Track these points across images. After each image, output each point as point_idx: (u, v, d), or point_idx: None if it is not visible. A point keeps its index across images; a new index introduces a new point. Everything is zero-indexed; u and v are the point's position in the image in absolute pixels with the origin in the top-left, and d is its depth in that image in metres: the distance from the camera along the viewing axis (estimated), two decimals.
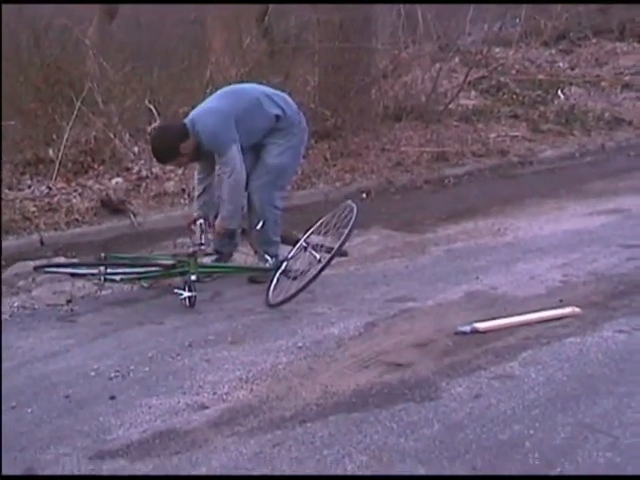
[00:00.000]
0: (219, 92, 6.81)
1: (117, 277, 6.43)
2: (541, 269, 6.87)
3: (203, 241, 6.56)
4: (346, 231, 6.32)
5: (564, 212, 8.32)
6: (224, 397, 4.86)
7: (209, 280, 6.69)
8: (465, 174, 10.29)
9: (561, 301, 6.10)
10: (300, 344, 5.56)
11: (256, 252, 6.91)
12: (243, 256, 7.09)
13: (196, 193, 6.91)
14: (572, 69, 15.83)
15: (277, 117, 6.64)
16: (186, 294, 6.15)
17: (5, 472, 4.08)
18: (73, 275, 6.59)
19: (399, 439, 4.33)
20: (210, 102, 6.71)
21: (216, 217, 6.62)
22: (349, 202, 6.64)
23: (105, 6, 17.49)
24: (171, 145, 6.46)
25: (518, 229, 8.05)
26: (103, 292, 6.57)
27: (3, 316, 6.10)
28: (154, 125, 8.94)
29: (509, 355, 5.26)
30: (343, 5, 10.80)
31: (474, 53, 14.23)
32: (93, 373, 5.18)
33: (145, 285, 6.60)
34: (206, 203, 6.77)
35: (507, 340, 5.49)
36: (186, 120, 6.56)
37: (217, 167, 6.53)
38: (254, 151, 6.66)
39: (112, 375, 5.15)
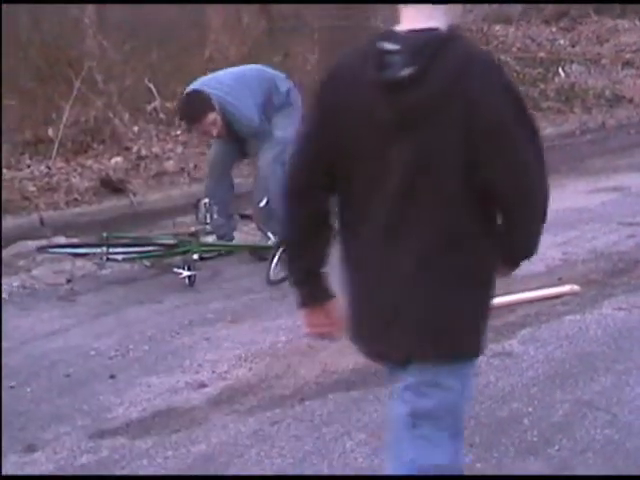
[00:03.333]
0: (235, 77, 6.84)
1: (119, 257, 6.44)
2: (541, 247, 6.80)
3: (208, 220, 6.57)
4: None
5: (564, 190, 8.29)
6: (223, 375, 4.87)
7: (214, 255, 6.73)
8: None
9: (560, 279, 6.11)
10: (299, 323, 5.53)
11: (259, 229, 6.90)
12: (243, 235, 7.09)
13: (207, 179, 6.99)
14: (573, 47, 15.75)
15: (287, 93, 6.83)
16: (186, 273, 6.16)
17: (5, 450, 4.09)
18: (75, 255, 6.59)
19: None
20: (240, 92, 6.71)
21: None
22: None
23: None
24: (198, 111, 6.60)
25: None
26: (103, 271, 6.57)
27: (3, 295, 6.10)
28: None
29: (508, 333, 5.27)
30: None
31: (475, 31, 14.18)
32: (93, 352, 5.20)
33: (147, 264, 6.60)
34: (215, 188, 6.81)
35: (506, 318, 5.48)
36: (213, 95, 6.60)
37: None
38: None
39: (112, 354, 5.17)
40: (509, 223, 2.71)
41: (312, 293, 2.86)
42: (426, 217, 2.61)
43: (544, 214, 2.73)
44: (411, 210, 2.61)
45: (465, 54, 2.55)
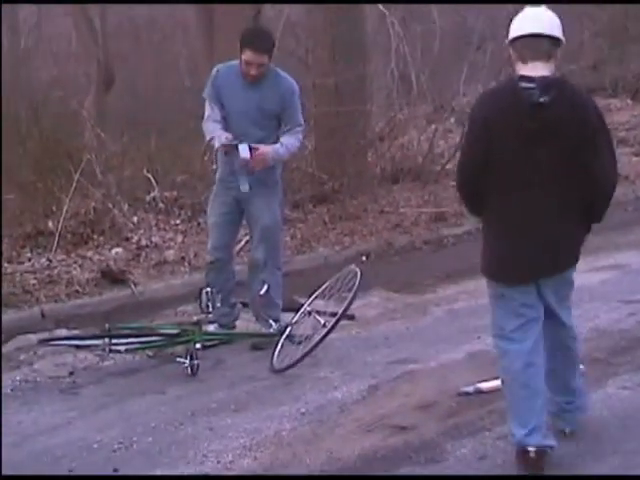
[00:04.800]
0: None
1: (122, 347, 6.42)
2: None
3: (210, 309, 6.58)
4: (350, 295, 6.35)
5: None
6: (228, 466, 4.84)
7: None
8: (464, 234, 10.29)
9: None
10: (303, 410, 5.54)
11: (257, 319, 6.91)
12: (245, 323, 7.10)
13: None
14: None
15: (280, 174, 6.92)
16: (189, 362, 6.15)
17: None
18: (78, 347, 6.59)
19: None
20: None
21: None
22: (353, 267, 6.69)
23: (102, 75, 17.74)
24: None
25: None
26: (105, 363, 6.56)
27: (5, 390, 6.08)
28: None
29: None
30: (337, 67, 10.89)
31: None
32: (96, 445, 5.16)
33: (150, 354, 6.58)
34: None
35: None
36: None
37: (291, 127, 6.67)
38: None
39: (115, 447, 5.13)
40: (597, 196, 4.68)
41: None
42: (556, 189, 4.46)
43: (614, 190, 4.80)
44: (547, 184, 4.44)
45: (573, 91, 4.47)
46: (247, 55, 6.44)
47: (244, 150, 6.35)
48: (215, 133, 6.55)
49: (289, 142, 6.64)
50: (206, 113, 6.69)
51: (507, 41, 4.50)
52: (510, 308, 4.61)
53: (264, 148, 6.45)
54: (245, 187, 6.45)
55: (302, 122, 6.78)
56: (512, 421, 4.60)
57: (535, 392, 4.55)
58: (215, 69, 6.75)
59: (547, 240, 4.53)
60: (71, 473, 4.82)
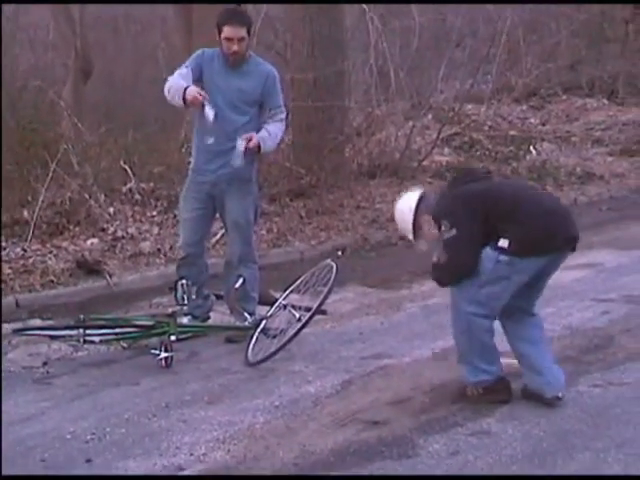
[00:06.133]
0: None
1: (96, 338, 6.41)
2: None
3: (185, 301, 6.58)
4: (326, 290, 6.35)
5: None
6: (201, 458, 4.84)
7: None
8: None
9: None
10: (277, 403, 5.55)
11: (232, 311, 6.91)
12: (219, 315, 7.10)
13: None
14: (543, 125, 16.01)
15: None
16: (163, 354, 6.14)
17: None
18: (52, 337, 6.57)
19: None
20: None
21: None
22: (329, 261, 6.69)
23: (80, 65, 17.65)
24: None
25: None
26: (79, 353, 6.55)
27: None
28: None
29: (486, 411, 5.28)
30: (316, 62, 10.91)
31: (447, 110, 14.37)
32: (69, 436, 5.15)
33: (124, 346, 6.58)
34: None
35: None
36: None
37: (274, 112, 6.64)
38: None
39: (88, 438, 5.12)
40: None
41: None
42: None
43: None
44: None
45: None
46: (226, 32, 6.47)
47: (210, 112, 6.33)
48: (180, 84, 6.39)
49: (274, 129, 6.61)
50: (176, 72, 6.56)
51: None
52: None
53: (256, 138, 6.44)
54: (237, 162, 6.40)
55: (283, 106, 6.77)
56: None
57: None
58: (200, 50, 6.74)
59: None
60: (44, 463, 4.81)
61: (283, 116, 6.74)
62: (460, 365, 5.52)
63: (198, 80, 6.54)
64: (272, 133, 6.58)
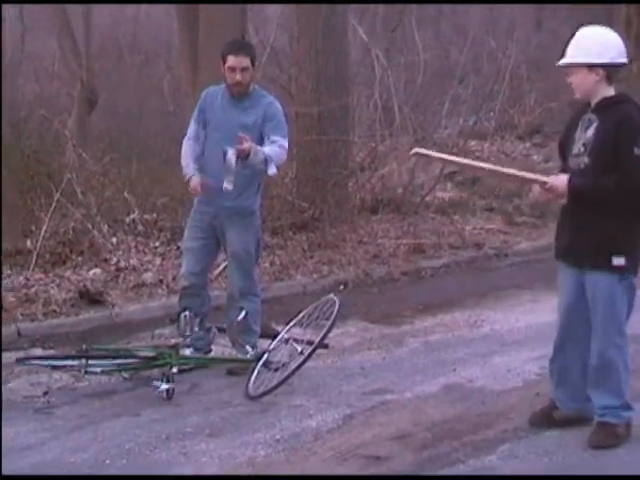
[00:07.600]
0: None
1: (98, 369, 6.41)
2: (518, 361, 6.88)
3: (188, 333, 6.58)
4: (328, 324, 6.36)
5: (540, 304, 8.35)
6: None
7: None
8: (442, 266, 10.34)
9: (537, 394, 6.10)
10: (278, 437, 5.54)
11: (234, 344, 6.91)
12: (221, 348, 7.09)
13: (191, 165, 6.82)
14: (546, 162, 16.03)
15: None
16: (164, 386, 6.14)
17: None
18: (54, 367, 6.56)
19: None
20: None
21: None
22: (332, 296, 6.70)
23: (85, 96, 17.71)
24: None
25: (495, 321, 8.07)
26: (80, 384, 6.54)
27: None
28: None
29: (487, 448, 5.27)
30: (320, 97, 10.95)
31: (450, 146, 14.40)
32: (69, 467, 5.14)
33: (126, 376, 6.56)
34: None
35: (485, 433, 5.50)
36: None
37: (275, 139, 6.58)
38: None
39: (88, 469, 5.11)
40: None
41: None
42: None
43: None
44: None
45: None
46: (230, 61, 6.55)
47: (232, 158, 6.32)
48: (187, 164, 6.73)
49: (270, 149, 6.49)
50: (187, 132, 6.85)
51: (602, 61, 5.35)
52: None
53: (249, 143, 6.33)
54: (229, 186, 6.37)
55: (286, 136, 6.70)
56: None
57: None
58: (205, 91, 6.82)
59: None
60: None
61: (284, 144, 6.65)
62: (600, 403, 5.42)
63: (204, 123, 6.73)
64: (267, 152, 6.47)
